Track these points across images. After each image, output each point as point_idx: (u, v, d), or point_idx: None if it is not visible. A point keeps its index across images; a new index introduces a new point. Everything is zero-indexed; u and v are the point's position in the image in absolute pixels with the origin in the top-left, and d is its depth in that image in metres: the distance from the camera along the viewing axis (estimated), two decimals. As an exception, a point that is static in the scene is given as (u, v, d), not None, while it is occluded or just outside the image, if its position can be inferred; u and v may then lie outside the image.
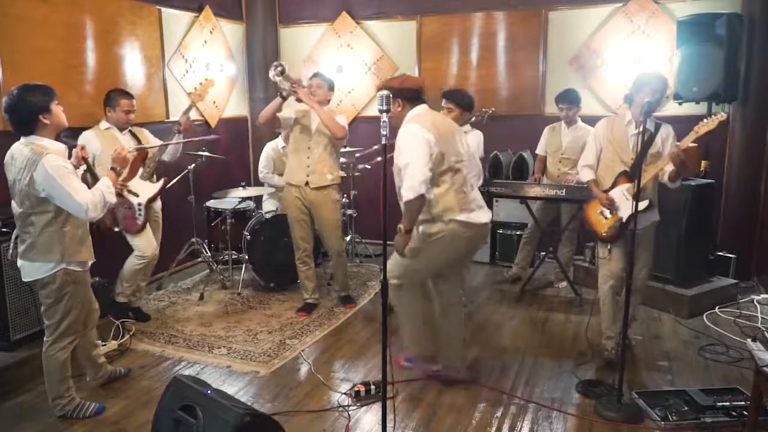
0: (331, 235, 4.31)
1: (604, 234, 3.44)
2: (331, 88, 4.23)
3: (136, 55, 4.81)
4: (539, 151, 4.92)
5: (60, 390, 2.87)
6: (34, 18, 3.94)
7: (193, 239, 5.13)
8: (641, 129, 2.98)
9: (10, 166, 2.65)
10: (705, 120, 3.13)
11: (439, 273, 3.17)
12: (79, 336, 2.95)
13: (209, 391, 2.39)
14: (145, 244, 3.97)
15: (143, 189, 3.91)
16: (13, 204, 2.72)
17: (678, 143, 3.21)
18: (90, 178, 2.95)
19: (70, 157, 2.82)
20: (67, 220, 2.69)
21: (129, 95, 4.02)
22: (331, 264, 4.60)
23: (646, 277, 3.58)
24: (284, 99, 4.12)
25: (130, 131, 4.06)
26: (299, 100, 4.05)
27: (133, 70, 4.79)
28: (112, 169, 2.84)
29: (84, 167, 2.92)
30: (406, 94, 2.97)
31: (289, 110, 4.23)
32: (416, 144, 2.82)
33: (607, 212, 3.44)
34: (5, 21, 3.76)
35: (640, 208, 3.07)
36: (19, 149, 2.63)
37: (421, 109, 3.00)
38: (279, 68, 4.05)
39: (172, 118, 5.25)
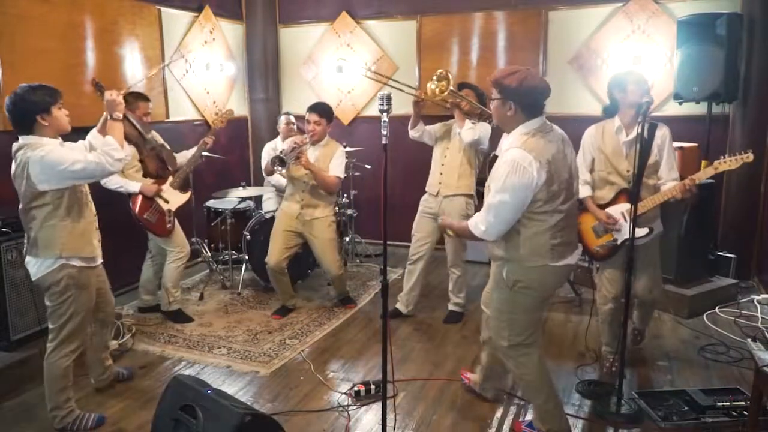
0: (328, 255, 4.19)
1: (594, 251, 3.26)
2: (330, 119, 4.12)
3: (136, 55, 4.81)
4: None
5: (59, 400, 2.78)
6: (34, 18, 3.94)
7: (193, 239, 5.14)
8: (636, 134, 2.75)
9: (13, 163, 2.64)
10: (729, 158, 2.94)
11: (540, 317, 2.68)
12: (84, 345, 2.92)
13: (209, 391, 2.39)
14: (181, 243, 4.11)
15: (173, 197, 4.05)
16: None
17: (693, 177, 2.98)
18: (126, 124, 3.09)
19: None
20: (68, 214, 2.66)
21: (146, 98, 4.03)
22: (328, 279, 4.60)
23: (655, 291, 3.33)
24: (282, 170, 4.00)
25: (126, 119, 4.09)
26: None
27: (133, 70, 4.79)
28: (113, 118, 2.74)
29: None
30: (524, 99, 2.38)
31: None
32: (517, 180, 2.28)
33: (600, 230, 3.24)
34: (5, 21, 3.76)
35: (639, 234, 2.95)
36: (16, 147, 2.62)
37: (536, 124, 2.40)
38: (277, 162, 3.90)
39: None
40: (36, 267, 2.70)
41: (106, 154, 2.64)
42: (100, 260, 2.89)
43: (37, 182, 2.56)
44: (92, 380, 3.21)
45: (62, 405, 2.80)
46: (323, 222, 4.16)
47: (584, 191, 3.26)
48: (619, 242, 3.17)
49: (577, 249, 2.56)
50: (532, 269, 2.42)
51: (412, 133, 4.13)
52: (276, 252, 4.14)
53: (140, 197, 3.89)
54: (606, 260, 3.25)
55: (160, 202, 3.97)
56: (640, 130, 2.70)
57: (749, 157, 2.92)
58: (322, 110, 4.08)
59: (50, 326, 2.77)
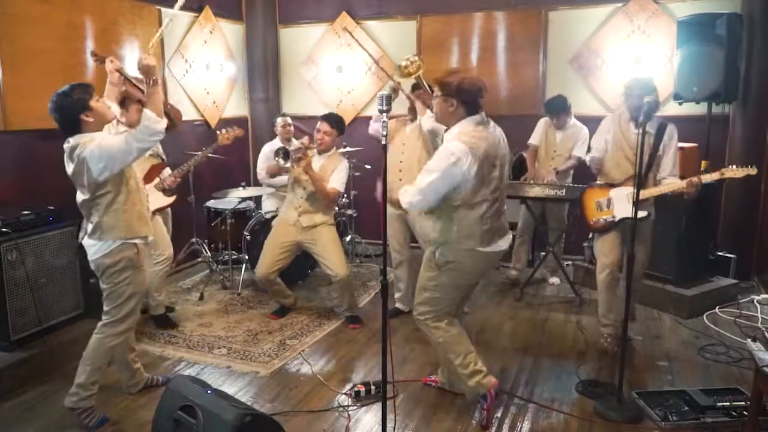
0: (333, 256, 3.99)
1: (593, 222, 3.58)
2: (341, 131, 4.07)
3: (136, 55, 4.81)
4: (534, 141, 4.90)
5: (88, 380, 2.82)
6: (34, 17, 3.95)
7: (193, 239, 5.14)
8: (641, 130, 2.89)
9: (67, 162, 2.72)
10: (735, 167, 3.21)
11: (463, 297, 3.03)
12: (133, 329, 3.00)
13: (209, 391, 2.39)
14: (161, 246, 4.01)
15: (155, 198, 3.96)
16: (78, 194, 2.79)
17: (700, 176, 3.24)
18: (130, 87, 3.11)
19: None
20: (128, 198, 2.78)
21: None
22: (335, 289, 4.27)
23: (641, 273, 3.60)
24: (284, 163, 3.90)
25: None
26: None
27: (133, 70, 4.78)
28: (151, 84, 2.72)
29: (120, 81, 2.99)
30: (464, 96, 2.63)
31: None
32: (449, 167, 2.54)
33: (603, 205, 3.53)
34: (5, 21, 3.76)
35: (639, 215, 3.08)
36: (69, 147, 2.68)
37: (475, 120, 2.67)
38: (281, 153, 3.85)
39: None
40: (96, 247, 2.78)
41: (146, 129, 2.62)
42: (152, 236, 2.99)
43: (98, 173, 2.63)
44: (124, 387, 3.16)
45: (88, 386, 2.84)
46: (323, 226, 4.04)
47: (587, 157, 3.78)
48: (616, 219, 3.47)
49: (507, 235, 2.84)
50: (463, 252, 2.71)
51: (378, 126, 3.83)
52: (265, 264, 4.04)
53: None
54: (600, 232, 3.56)
55: None
56: (641, 132, 2.83)
57: (753, 170, 3.20)
58: (335, 121, 4.03)
59: (106, 308, 2.86)
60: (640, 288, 3.72)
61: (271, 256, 4.05)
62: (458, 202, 2.64)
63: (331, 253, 4.01)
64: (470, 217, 2.65)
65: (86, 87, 2.72)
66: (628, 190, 3.39)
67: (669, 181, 3.38)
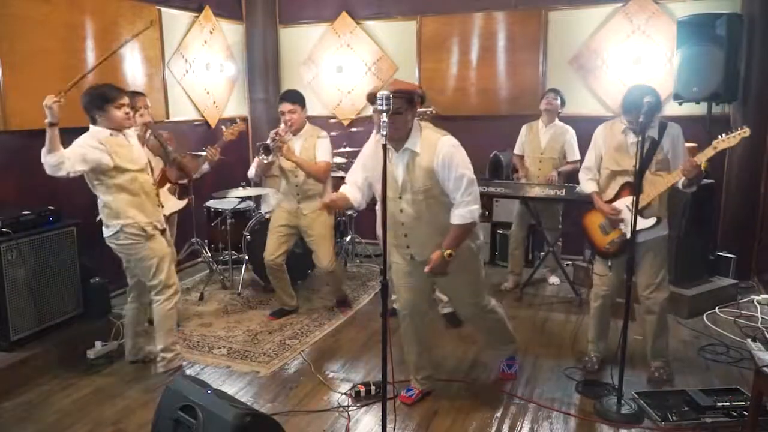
0: (321, 248, 4.10)
1: (606, 248, 3.24)
2: (304, 104, 4.03)
3: (136, 55, 4.81)
4: (517, 150, 4.91)
5: (167, 341, 3.22)
6: (34, 18, 3.94)
7: (193, 239, 5.14)
8: (640, 138, 2.78)
9: None
10: (726, 135, 2.91)
11: None
12: (178, 287, 3.29)
13: (209, 391, 2.39)
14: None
15: (169, 202, 3.99)
16: None
17: (693, 159, 2.92)
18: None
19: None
20: (122, 189, 3.03)
21: (140, 93, 3.96)
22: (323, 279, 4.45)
23: (657, 294, 3.24)
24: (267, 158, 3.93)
25: (153, 136, 4.04)
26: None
27: (133, 70, 4.79)
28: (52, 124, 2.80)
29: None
30: (417, 98, 2.82)
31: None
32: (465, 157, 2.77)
33: (607, 226, 3.23)
34: (5, 21, 3.76)
35: (647, 225, 3.04)
36: None
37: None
38: (261, 149, 3.86)
39: (173, 119, 5.26)
40: (106, 231, 3.09)
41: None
42: (158, 222, 3.19)
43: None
44: (126, 354, 3.52)
45: (169, 347, 3.25)
46: (319, 216, 4.03)
47: (591, 186, 3.31)
48: (628, 235, 3.03)
49: None
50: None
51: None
52: (271, 247, 4.11)
53: None
54: (618, 257, 3.19)
55: None
56: (640, 139, 2.76)
57: (746, 132, 2.92)
58: (294, 97, 3.98)
59: (148, 283, 3.19)
60: (662, 315, 3.27)
61: (276, 238, 4.13)
62: None
63: (319, 246, 4.12)
64: None
65: (113, 92, 2.96)
66: (627, 201, 3.11)
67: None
